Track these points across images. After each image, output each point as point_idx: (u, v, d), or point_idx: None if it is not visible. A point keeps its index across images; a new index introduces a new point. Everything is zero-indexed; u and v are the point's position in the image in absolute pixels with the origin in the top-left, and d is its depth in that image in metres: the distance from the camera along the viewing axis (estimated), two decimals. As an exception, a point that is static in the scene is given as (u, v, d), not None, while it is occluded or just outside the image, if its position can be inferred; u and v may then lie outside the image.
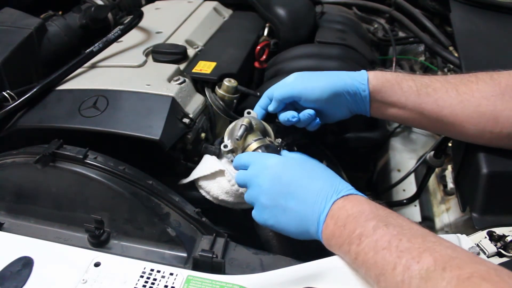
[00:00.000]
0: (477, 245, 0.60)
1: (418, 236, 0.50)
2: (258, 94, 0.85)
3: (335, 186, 0.59)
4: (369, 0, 1.42)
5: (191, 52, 0.96)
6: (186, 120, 0.78)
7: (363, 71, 0.72)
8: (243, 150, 0.73)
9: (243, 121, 0.73)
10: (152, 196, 0.68)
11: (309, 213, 0.59)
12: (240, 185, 0.70)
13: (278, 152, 0.71)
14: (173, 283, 0.58)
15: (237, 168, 0.71)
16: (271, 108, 0.77)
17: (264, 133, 0.76)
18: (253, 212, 0.66)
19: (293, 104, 0.76)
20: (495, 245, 0.60)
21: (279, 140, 0.76)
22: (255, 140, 0.72)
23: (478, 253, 0.59)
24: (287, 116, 0.74)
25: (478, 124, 0.65)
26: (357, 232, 0.53)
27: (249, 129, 0.73)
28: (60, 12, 1.07)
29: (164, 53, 0.91)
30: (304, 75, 0.75)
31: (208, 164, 0.77)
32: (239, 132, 0.72)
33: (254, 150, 0.71)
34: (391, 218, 0.53)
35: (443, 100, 0.66)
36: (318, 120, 0.75)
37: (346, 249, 0.54)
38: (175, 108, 0.78)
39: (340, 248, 0.55)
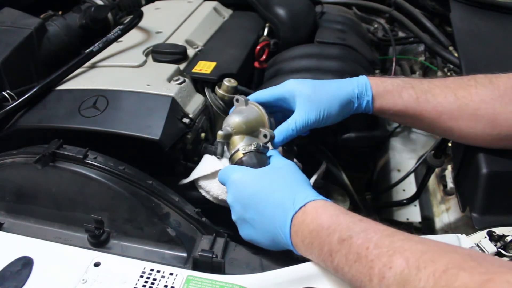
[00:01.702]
0: (477, 245, 0.60)
1: (385, 237, 0.49)
2: None
3: (293, 197, 0.58)
4: (369, 0, 1.42)
5: (191, 52, 0.96)
6: (186, 120, 0.78)
7: (367, 83, 0.70)
8: (231, 157, 0.70)
9: (218, 136, 0.69)
10: (152, 196, 0.68)
11: (272, 229, 0.59)
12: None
13: (265, 154, 0.68)
14: (173, 283, 0.58)
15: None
16: (279, 140, 0.71)
17: (252, 129, 0.70)
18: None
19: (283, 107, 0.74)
20: (495, 245, 0.60)
21: (270, 132, 0.69)
22: (241, 148, 0.68)
23: (478, 253, 0.59)
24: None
25: (477, 127, 0.65)
26: (326, 249, 0.52)
27: (227, 142, 0.70)
28: (60, 12, 1.07)
29: (164, 53, 0.91)
30: (312, 103, 0.69)
31: (208, 164, 0.77)
32: (218, 150, 0.71)
33: (239, 159, 0.68)
34: (353, 225, 0.52)
35: (442, 105, 0.67)
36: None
37: (324, 266, 0.55)
38: (175, 108, 0.78)
39: (320, 264, 0.56)
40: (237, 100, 0.72)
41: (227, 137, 0.69)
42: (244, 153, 0.67)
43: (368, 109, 0.71)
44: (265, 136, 0.68)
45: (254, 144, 0.68)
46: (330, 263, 0.52)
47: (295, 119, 0.69)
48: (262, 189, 0.61)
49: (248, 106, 0.71)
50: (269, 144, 0.70)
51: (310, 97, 0.69)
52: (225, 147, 0.72)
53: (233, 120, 0.69)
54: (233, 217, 0.65)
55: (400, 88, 0.69)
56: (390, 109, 0.70)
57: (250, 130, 0.69)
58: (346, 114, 0.72)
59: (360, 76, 0.72)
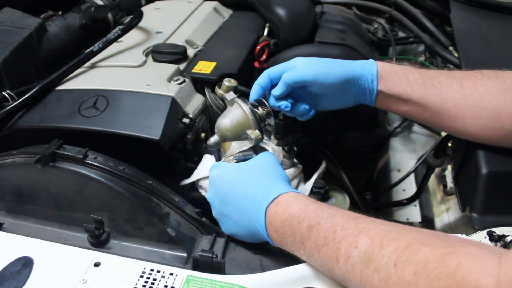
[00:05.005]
0: (477, 245, 0.60)
1: (351, 220, 0.51)
2: None
3: (267, 190, 0.60)
4: (369, 0, 1.42)
5: (191, 52, 0.96)
6: (186, 120, 0.78)
7: (372, 61, 0.71)
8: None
9: (209, 146, 0.71)
10: (152, 196, 0.68)
11: (249, 222, 0.61)
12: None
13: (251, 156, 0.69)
14: (173, 283, 0.58)
15: None
16: (277, 92, 0.71)
17: (237, 134, 0.70)
18: None
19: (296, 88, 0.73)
20: (495, 245, 0.60)
21: (255, 134, 0.68)
22: (227, 157, 0.70)
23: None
24: (280, 104, 0.72)
25: (480, 118, 0.65)
26: (298, 238, 0.54)
27: (219, 149, 0.73)
28: (60, 12, 1.07)
29: (164, 53, 0.91)
30: (313, 60, 0.71)
31: (208, 164, 0.77)
32: (215, 156, 0.74)
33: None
34: (321, 212, 0.54)
35: (447, 93, 0.67)
36: (312, 111, 0.74)
37: (298, 255, 0.56)
38: (175, 108, 0.78)
39: (294, 254, 0.57)
40: (225, 99, 0.73)
41: (217, 145, 0.72)
42: (239, 154, 0.70)
43: (372, 90, 0.70)
44: (250, 139, 0.69)
45: (238, 153, 0.69)
46: (303, 252, 0.54)
47: (290, 72, 0.70)
48: (238, 184, 0.63)
49: (233, 106, 0.71)
50: (267, 139, 0.70)
51: (311, 59, 0.71)
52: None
53: (219, 126, 0.71)
54: (213, 213, 0.67)
55: (406, 71, 0.70)
56: (395, 91, 0.69)
57: (236, 135, 0.70)
58: (347, 91, 0.71)
59: (369, 60, 0.72)
